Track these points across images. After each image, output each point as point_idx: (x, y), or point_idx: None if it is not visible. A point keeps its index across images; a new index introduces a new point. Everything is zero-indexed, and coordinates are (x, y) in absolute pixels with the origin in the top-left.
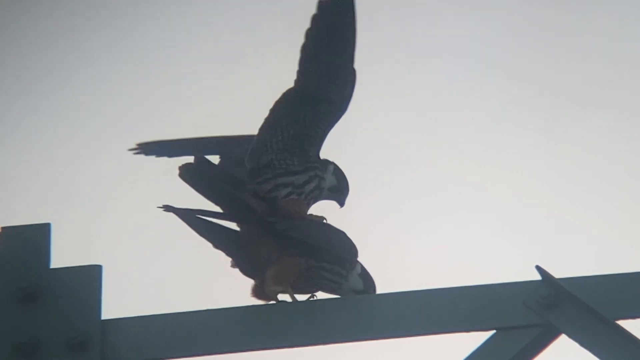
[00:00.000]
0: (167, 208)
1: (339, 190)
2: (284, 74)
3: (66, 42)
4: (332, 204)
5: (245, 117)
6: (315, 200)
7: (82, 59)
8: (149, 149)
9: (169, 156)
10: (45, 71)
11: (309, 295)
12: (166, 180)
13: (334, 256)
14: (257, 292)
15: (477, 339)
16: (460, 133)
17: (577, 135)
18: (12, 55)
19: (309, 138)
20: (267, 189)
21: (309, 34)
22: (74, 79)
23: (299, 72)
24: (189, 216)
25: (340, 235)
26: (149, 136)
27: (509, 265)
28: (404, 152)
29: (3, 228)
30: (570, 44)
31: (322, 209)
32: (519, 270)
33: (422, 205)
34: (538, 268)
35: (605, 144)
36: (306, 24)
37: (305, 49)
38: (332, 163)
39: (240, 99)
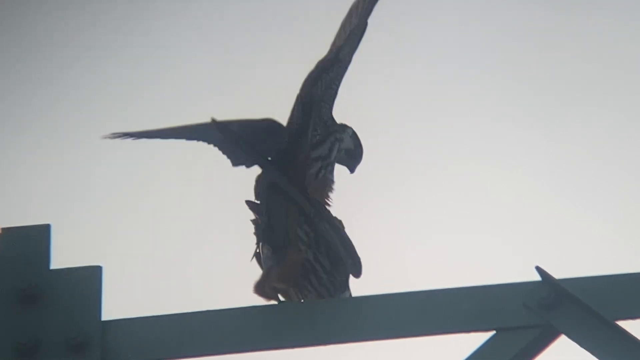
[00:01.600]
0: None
1: (353, 155)
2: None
3: (66, 41)
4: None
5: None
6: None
7: (82, 59)
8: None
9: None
10: (45, 71)
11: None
12: (167, 180)
13: (333, 261)
14: (258, 288)
15: (477, 339)
16: (460, 133)
17: (577, 136)
18: (12, 55)
19: (325, 103)
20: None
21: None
22: (74, 78)
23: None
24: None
25: (352, 244)
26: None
27: (509, 265)
28: (404, 153)
29: (3, 229)
30: (570, 44)
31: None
32: (518, 270)
33: (422, 206)
34: (538, 269)
35: (605, 144)
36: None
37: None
38: (351, 128)
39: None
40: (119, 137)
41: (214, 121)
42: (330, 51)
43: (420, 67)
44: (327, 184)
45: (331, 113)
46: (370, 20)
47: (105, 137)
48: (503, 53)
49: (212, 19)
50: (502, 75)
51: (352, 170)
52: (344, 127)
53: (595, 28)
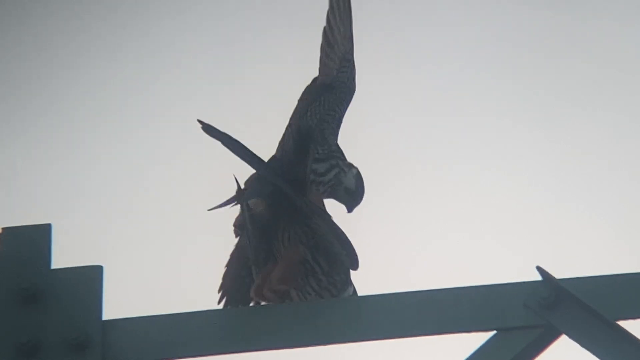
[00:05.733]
0: (206, 127)
1: (353, 195)
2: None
3: (66, 41)
4: (340, 207)
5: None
6: (331, 194)
7: (82, 58)
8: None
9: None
10: (45, 71)
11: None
12: (167, 180)
13: (331, 261)
14: (257, 291)
15: (478, 339)
16: (461, 134)
17: (577, 136)
18: (12, 55)
19: (328, 125)
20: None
21: (325, 31)
22: (74, 78)
23: (320, 66)
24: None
25: (346, 238)
26: (150, 137)
27: (509, 265)
28: (405, 153)
29: (4, 229)
30: (571, 45)
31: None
32: (519, 270)
33: (423, 206)
34: (538, 268)
35: (605, 144)
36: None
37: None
38: (356, 168)
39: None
40: (212, 130)
41: (201, 123)
42: (317, 79)
43: (420, 68)
44: (318, 197)
45: (336, 139)
46: (370, 20)
47: (200, 122)
48: (503, 54)
49: (212, 18)
50: (502, 76)
51: (349, 210)
52: (350, 166)
53: (595, 29)
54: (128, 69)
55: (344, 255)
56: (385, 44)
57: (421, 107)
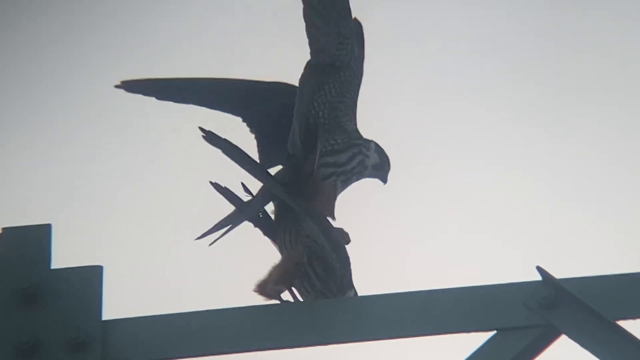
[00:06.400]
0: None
1: (381, 167)
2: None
3: (66, 40)
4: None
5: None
6: (359, 177)
7: (82, 58)
8: (134, 86)
9: (158, 97)
10: (45, 70)
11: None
12: (167, 180)
13: (327, 268)
14: (260, 287)
15: (478, 339)
16: (461, 133)
17: (577, 136)
18: (11, 54)
19: (342, 112)
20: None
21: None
22: (73, 77)
23: (310, 44)
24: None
25: (341, 245)
26: (151, 136)
27: (509, 265)
28: (404, 152)
29: (4, 229)
30: (571, 44)
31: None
32: (519, 270)
33: (423, 206)
34: (538, 268)
35: (605, 143)
36: None
37: (306, 18)
38: (373, 141)
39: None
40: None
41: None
42: (311, 62)
43: (419, 67)
44: (333, 191)
45: (354, 124)
46: (372, 18)
47: (117, 86)
48: (504, 52)
49: (213, 14)
50: (503, 75)
51: (384, 181)
52: (368, 142)
53: (597, 27)
54: (128, 69)
55: (334, 260)
56: (383, 44)
57: (422, 106)
